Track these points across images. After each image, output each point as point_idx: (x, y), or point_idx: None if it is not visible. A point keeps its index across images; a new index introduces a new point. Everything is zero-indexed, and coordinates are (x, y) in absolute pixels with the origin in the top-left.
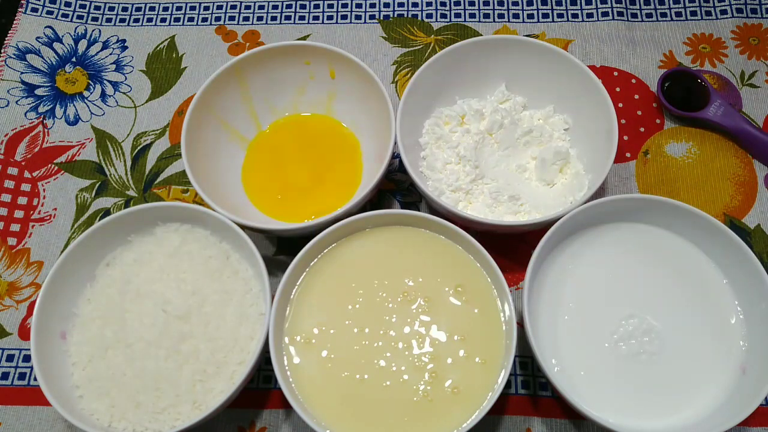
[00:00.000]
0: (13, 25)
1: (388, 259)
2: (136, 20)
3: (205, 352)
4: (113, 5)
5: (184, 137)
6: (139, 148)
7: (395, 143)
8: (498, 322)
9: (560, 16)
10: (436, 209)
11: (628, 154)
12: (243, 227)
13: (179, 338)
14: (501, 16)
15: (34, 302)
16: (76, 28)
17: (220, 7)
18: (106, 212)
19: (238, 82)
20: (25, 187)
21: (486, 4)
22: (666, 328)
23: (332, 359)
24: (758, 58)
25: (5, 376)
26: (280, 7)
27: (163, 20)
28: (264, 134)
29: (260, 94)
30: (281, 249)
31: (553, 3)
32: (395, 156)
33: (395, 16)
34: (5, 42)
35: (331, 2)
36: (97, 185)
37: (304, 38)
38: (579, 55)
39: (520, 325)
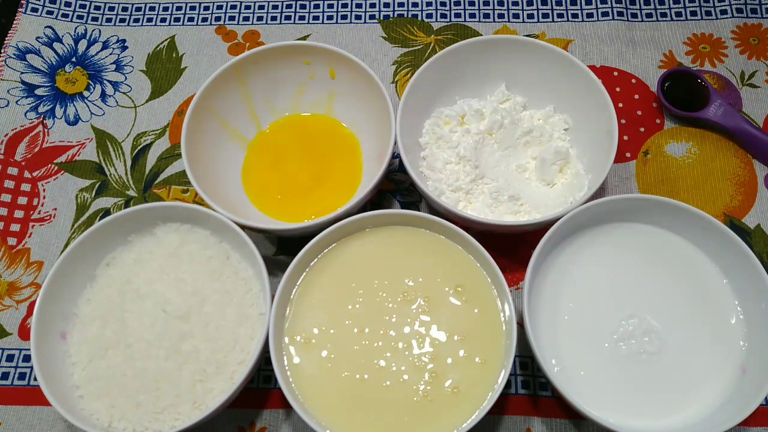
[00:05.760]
0: (13, 25)
1: (388, 259)
2: (136, 20)
3: (205, 352)
4: (113, 5)
5: (184, 137)
6: (139, 148)
7: (395, 143)
8: (498, 322)
9: (560, 16)
10: (436, 209)
11: (628, 154)
12: (243, 227)
13: (179, 338)
14: (501, 16)
15: (34, 302)
16: (76, 28)
17: (220, 7)
18: (106, 212)
19: (238, 82)
20: (25, 187)
21: (486, 4)
22: (666, 328)
23: (332, 359)
24: (758, 58)
25: (5, 376)
26: (280, 7)
27: (163, 20)
28: (264, 134)
29: (260, 94)
30: (281, 249)
31: (553, 3)
32: (395, 156)
33: (395, 16)
34: (5, 42)
35: (331, 2)
36: (97, 185)
37: (304, 38)
38: (579, 55)
39: (520, 325)
